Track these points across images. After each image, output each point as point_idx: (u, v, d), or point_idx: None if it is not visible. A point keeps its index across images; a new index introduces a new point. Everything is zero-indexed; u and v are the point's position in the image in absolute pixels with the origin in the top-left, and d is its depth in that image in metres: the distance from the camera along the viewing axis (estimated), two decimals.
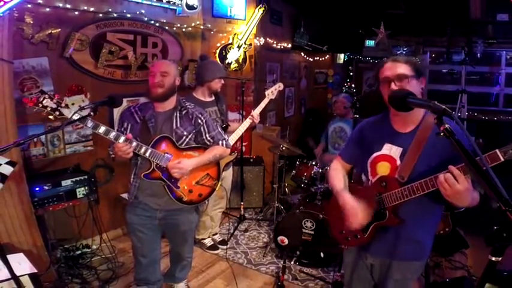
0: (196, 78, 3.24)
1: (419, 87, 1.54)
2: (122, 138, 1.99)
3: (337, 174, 1.85)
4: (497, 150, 1.22)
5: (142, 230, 2.31)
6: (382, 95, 1.60)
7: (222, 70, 3.19)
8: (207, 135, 2.27)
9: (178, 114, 2.23)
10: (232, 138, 3.13)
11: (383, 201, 1.61)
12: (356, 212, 1.61)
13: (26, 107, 2.49)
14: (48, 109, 1.82)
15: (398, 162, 1.58)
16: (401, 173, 1.54)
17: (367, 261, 1.79)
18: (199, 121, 2.25)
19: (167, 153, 2.13)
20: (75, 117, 1.86)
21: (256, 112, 3.27)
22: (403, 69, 1.52)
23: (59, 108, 1.83)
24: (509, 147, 1.21)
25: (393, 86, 1.51)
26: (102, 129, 1.96)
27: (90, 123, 1.92)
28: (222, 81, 3.16)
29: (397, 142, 1.60)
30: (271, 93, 3.41)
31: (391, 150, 1.61)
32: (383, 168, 1.63)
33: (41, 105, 1.80)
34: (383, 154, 1.63)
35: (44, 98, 1.80)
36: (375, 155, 1.66)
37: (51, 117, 1.83)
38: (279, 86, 3.48)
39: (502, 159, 1.22)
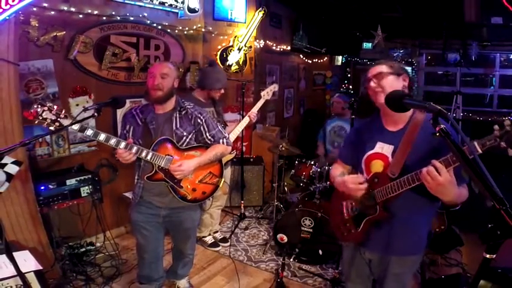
0: (198, 81, 3.25)
1: (400, 83, 1.62)
2: (122, 144, 2.00)
3: (336, 170, 1.92)
4: (475, 142, 1.23)
5: (147, 227, 2.31)
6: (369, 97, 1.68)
7: (222, 81, 3.16)
8: (207, 134, 2.26)
9: (178, 115, 2.22)
10: (231, 137, 3.13)
11: (374, 196, 1.63)
12: (354, 181, 1.65)
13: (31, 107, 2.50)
14: (48, 121, 1.82)
15: (390, 159, 1.61)
16: (392, 168, 1.57)
17: (365, 257, 1.80)
18: (199, 120, 2.24)
19: (168, 154, 2.13)
20: (75, 126, 1.87)
21: (253, 111, 3.32)
22: (380, 68, 1.64)
23: (58, 119, 1.84)
24: (486, 139, 1.21)
25: (371, 84, 1.63)
26: (102, 136, 1.96)
27: (90, 132, 1.93)
28: (222, 91, 3.18)
29: (388, 140, 1.65)
30: (266, 94, 3.45)
31: (383, 148, 1.65)
32: (376, 166, 1.66)
33: (40, 118, 1.81)
34: (376, 152, 1.67)
35: (43, 111, 1.81)
36: (368, 153, 1.70)
37: (51, 128, 1.83)
38: (274, 87, 3.51)
39: (480, 151, 1.22)
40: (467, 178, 1.54)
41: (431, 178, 1.32)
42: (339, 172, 1.88)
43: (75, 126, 1.88)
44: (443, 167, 1.30)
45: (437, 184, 1.32)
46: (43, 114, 1.81)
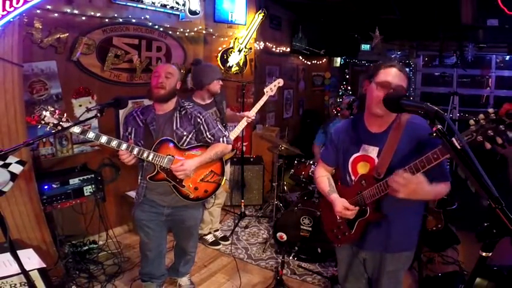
0: (195, 83, 3.21)
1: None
2: (124, 146, 2.00)
3: (323, 180, 1.89)
4: (453, 139, 1.21)
5: (150, 225, 2.32)
6: (366, 95, 1.63)
7: (218, 72, 3.17)
8: (207, 133, 2.26)
9: (178, 115, 2.22)
10: (231, 137, 3.12)
11: (363, 198, 1.63)
12: (345, 206, 1.67)
13: (35, 108, 2.50)
14: (51, 125, 1.82)
15: (376, 161, 1.61)
16: (378, 170, 1.57)
17: (360, 256, 1.80)
18: (199, 120, 2.24)
19: (169, 154, 2.13)
20: (77, 129, 1.88)
21: (253, 111, 3.27)
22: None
23: (60, 123, 1.84)
24: (463, 134, 1.21)
25: (385, 91, 1.52)
26: (103, 138, 1.97)
27: (91, 134, 1.93)
28: (221, 82, 3.14)
29: (372, 142, 1.64)
30: (270, 90, 3.34)
31: (368, 150, 1.65)
32: (363, 168, 1.66)
33: (43, 122, 1.82)
34: (361, 155, 1.67)
35: (45, 116, 1.81)
36: (354, 156, 1.70)
37: (53, 131, 1.83)
38: (279, 82, 3.38)
39: (458, 147, 1.22)
40: (449, 176, 1.56)
41: (402, 186, 1.37)
42: (327, 183, 1.86)
43: (77, 130, 1.88)
44: (406, 175, 1.36)
45: (410, 191, 1.37)
46: (45, 119, 1.82)
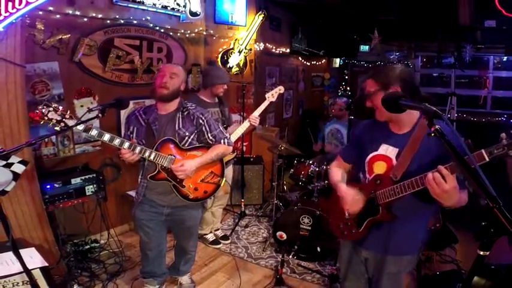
0: (202, 81, 3.27)
1: None
2: (126, 144, 2.00)
3: (336, 171, 1.88)
4: (482, 150, 1.22)
5: (150, 225, 2.31)
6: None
7: (223, 77, 3.17)
8: (209, 135, 2.26)
9: (180, 115, 2.22)
10: (232, 139, 3.13)
11: (376, 197, 1.62)
12: (352, 197, 1.66)
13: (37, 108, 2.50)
14: (54, 121, 1.83)
15: (394, 161, 1.58)
16: (395, 171, 1.55)
17: (361, 256, 1.79)
18: (201, 121, 2.24)
19: (171, 154, 2.13)
20: (80, 127, 1.88)
21: (255, 114, 3.25)
22: (369, 85, 1.59)
23: (63, 120, 1.84)
24: (493, 147, 1.20)
25: (368, 103, 1.60)
26: (106, 136, 1.96)
27: (94, 132, 1.93)
28: (225, 87, 3.17)
29: (393, 143, 1.61)
30: (271, 96, 3.36)
31: (387, 150, 1.62)
32: (379, 168, 1.64)
33: (46, 118, 1.82)
34: (379, 154, 1.64)
35: (49, 111, 1.81)
36: (372, 154, 1.67)
37: (57, 128, 1.83)
38: (280, 89, 3.41)
39: (487, 159, 1.22)
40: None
41: (437, 184, 1.28)
42: (339, 175, 1.85)
43: (80, 127, 1.88)
44: (449, 174, 1.26)
45: (442, 191, 1.28)
46: (48, 115, 1.82)
